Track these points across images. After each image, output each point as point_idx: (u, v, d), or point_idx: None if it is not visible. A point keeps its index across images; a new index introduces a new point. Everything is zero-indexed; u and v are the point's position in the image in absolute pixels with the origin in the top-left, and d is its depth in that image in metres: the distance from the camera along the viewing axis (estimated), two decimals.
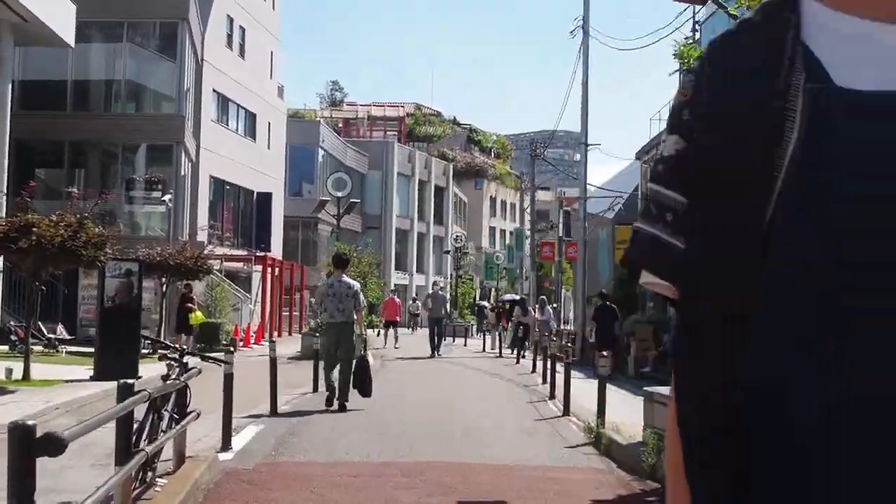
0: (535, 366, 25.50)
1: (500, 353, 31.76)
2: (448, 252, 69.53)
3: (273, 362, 13.99)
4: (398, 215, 71.12)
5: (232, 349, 29.77)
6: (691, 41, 38.05)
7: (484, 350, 34.13)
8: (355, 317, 14.61)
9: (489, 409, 14.72)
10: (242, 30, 43.29)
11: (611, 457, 10.64)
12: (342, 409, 14.11)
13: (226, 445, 10.42)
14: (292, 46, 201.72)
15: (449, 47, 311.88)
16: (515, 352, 30.84)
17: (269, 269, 40.60)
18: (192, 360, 9.24)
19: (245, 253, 40.68)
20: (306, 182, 57.45)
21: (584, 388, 17.73)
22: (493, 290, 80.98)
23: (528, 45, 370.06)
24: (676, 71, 39.07)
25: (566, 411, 14.37)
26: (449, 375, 21.22)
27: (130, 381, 6.38)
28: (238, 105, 42.93)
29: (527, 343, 30.41)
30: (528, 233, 55.21)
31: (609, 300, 30.41)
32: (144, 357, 25.31)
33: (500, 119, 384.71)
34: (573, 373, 20.89)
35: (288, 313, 45.74)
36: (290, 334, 43.19)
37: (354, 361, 14.41)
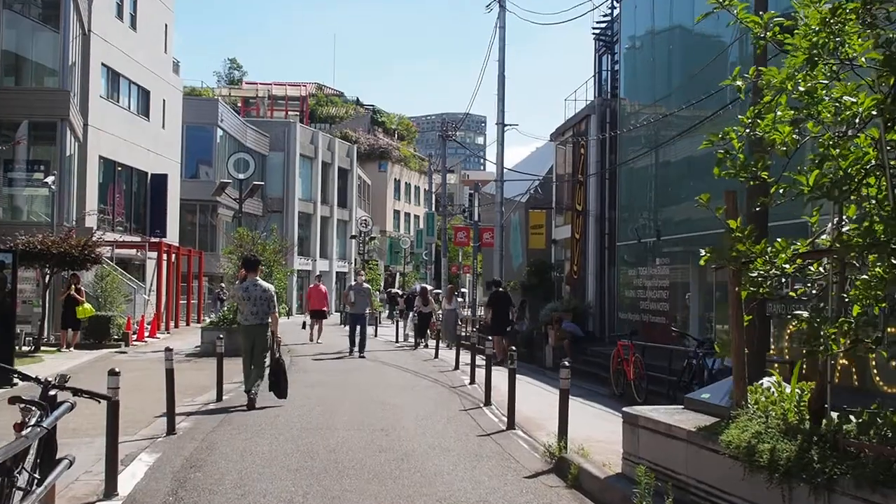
0: (437, 353, 25.37)
1: (416, 345, 29.84)
2: (354, 237, 67.39)
3: (170, 374, 11.84)
4: (301, 198, 68.89)
5: (124, 344, 27.85)
6: (609, 18, 36.77)
7: (398, 341, 32.12)
8: (269, 319, 14.78)
9: (424, 423, 12.70)
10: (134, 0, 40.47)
11: (584, 491, 8.77)
12: (251, 405, 14.05)
13: (110, 491, 8.31)
14: (188, 23, 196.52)
15: (351, 26, 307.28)
16: (414, 340, 31.48)
17: (164, 256, 38.03)
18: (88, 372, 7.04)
19: (139, 239, 38.02)
20: (204, 164, 54.75)
21: (517, 389, 16.07)
22: (398, 274, 79.19)
23: (436, 25, 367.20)
24: (603, 49, 37.76)
25: (510, 423, 12.56)
26: (371, 378, 19.12)
27: None
28: (129, 80, 40.11)
29: (428, 332, 30.79)
30: (436, 217, 53.41)
31: (502, 287, 30.13)
32: (28, 355, 23.03)
33: (404, 102, 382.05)
34: (493, 368, 19.36)
35: (186, 302, 43.24)
36: (188, 325, 40.79)
37: (268, 363, 14.66)
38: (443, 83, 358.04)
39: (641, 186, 29.73)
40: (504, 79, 32.24)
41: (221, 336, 15.75)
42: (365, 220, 65.94)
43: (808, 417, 6.56)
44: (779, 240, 6.86)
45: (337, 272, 72.16)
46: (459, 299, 40.29)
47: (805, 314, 6.31)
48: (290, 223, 65.19)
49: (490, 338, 18.41)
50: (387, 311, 52.25)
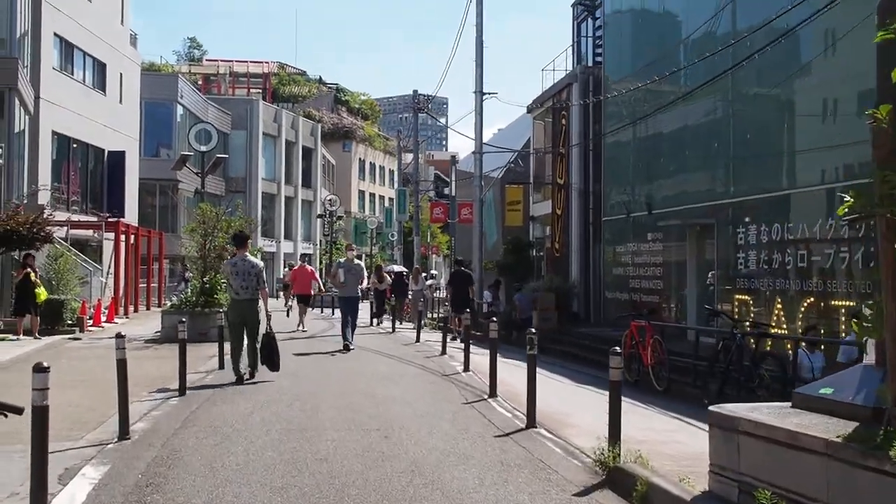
0: (419, 337, 23.97)
1: (394, 328, 28.01)
2: (321, 216, 65.34)
3: (122, 366, 9.97)
4: (264, 178, 66.89)
5: (79, 329, 25.85)
6: None
7: (371, 324, 30.28)
8: (259, 294, 15.10)
9: (427, 422, 10.71)
10: None
11: None
12: (251, 377, 14.61)
13: None
14: (147, 4, 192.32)
15: (313, 3, 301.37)
16: (370, 319, 31.08)
17: (122, 237, 35.92)
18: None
19: (95, 219, 35.86)
20: (163, 141, 52.43)
21: (509, 371, 14.41)
22: (363, 255, 77.35)
23: (399, 3, 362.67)
24: (583, 15, 36.02)
25: (531, 421, 10.67)
26: (352, 364, 17.22)
27: None
28: (84, 52, 37.84)
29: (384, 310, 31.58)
30: (409, 195, 51.51)
31: (465, 265, 29.46)
32: None
33: (367, 84, 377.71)
34: (474, 348, 17.69)
35: (146, 286, 41.13)
36: (147, 309, 38.73)
37: (261, 336, 14.94)
38: (406, 66, 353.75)
39: (630, 158, 28.15)
40: (482, 44, 30.35)
41: (184, 320, 13.84)
42: (331, 199, 63.87)
43: None
44: None
45: (302, 254, 70.18)
46: (429, 281, 38.68)
47: None
48: (254, 203, 63.08)
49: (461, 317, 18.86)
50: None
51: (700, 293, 23.28)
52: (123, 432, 9.74)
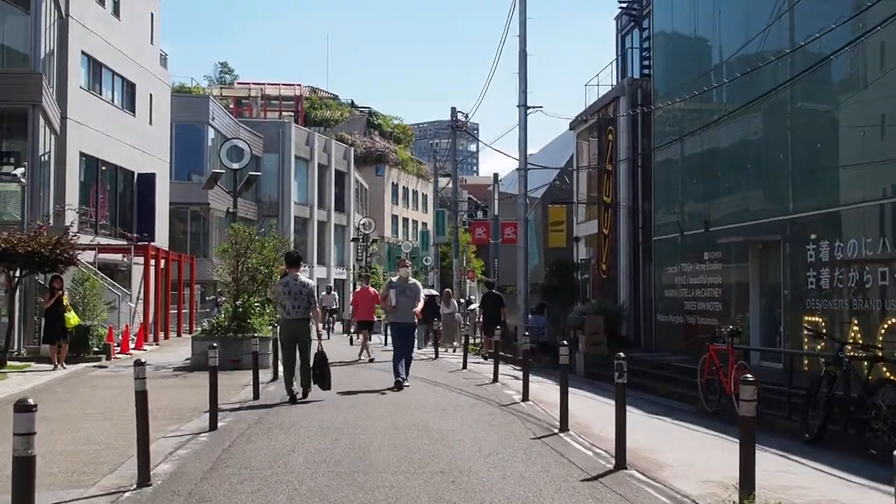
0: (465, 364, 22.46)
1: (437, 353, 26.50)
2: (356, 239, 64.00)
3: (141, 399, 8.44)
4: (296, 202, 65.75)
5: (105, 357, 24.58)
6: None
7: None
8: (311, 313, 15.24)
9: (496, 462, 8.99)
10: None
11: None
12: (304, 396, 14.84)
13: None
14: (177, 26, 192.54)
15: (345, 25, 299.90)
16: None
17: (152, 261, 34.74)
18: None
19: (124, 242, 34.71)
20: (195, 165, 51.21)
21: (580, 404, 12.93)
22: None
23: (432, 28, 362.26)
24: (629, 27, 34.63)
25: (620, 461, 9.04)
26: (399, 395, 15.74)
27: None
28: (113, 72, 36.86)
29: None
30: (447, 217, 50.09)
31: (496, 288, 29.32)
32: None
33: (399, 109, 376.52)
34: (534, 376, 16.21)
35: (177, 311, 39.95)
36: (178, 335, 37.54)
37: (313, 355, 15.02)
38: (439, 89, 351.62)
39: (682, 174, 26.65)
40: (526, 55, 28.84)
41: (215, 346, 12.45)
42: (365, 222, 62.57)
43: None
44: None
45: (335, 279, 68.95)
46: (472, 306, 37.25)
47: None
48: (286, 228, 61.86)
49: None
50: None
51: (764, 314, 21.75)
52: (143, 478, 8.20)
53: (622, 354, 9.69)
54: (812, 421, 12.39)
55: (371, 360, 23.47)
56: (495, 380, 17.97)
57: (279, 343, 16.17)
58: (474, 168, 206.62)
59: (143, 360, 8.71)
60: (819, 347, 17.28)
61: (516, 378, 17.69)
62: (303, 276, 15.63)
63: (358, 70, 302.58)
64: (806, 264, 19.21)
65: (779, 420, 13.70)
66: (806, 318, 19.10)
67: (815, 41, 18.03)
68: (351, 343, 30.38)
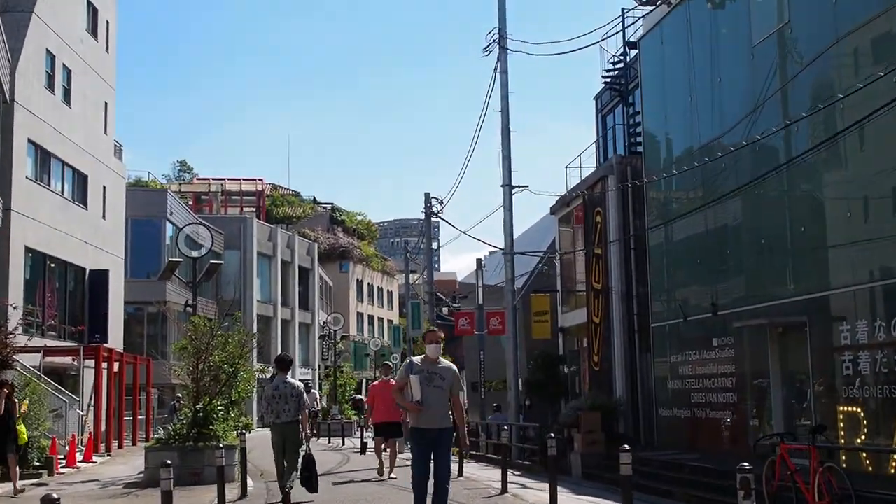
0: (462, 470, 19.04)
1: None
2: (323, 337, 61.44)
3: None
4: (259, 300, 63.25)
5: (47, 472, 21.59)
6: (621, 65, 32.07)
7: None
8: (300, 416, 15.24)
9: None
10: (68, 70, 35.05)
11: None
12: (287, 499, 14.73)
13: None
14: (133, 124, 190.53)
15: (302, 123, 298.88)
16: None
17: (104, 364, 31.93)
18: None
19: (73, 344, 31.98)
20: (152, 261, 48.45)
21: None
22: (364, 381, 73.31)
23: (391, 126, 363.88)
24: (612, 103, 32.91)
25: None
26: None
27: None
28: (63, 162, 34.53)
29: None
30: (422, 304, 47.84)
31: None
32: None
33: (361, 205, 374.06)
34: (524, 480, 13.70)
35: (132, 418, 36.99)
36: (134, 444, 34.58)
37: (301, 458, 14.99)
38: (407, 186, 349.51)
39: (684, 254, 24.58)
40: (509, 132, 26.95)
41: (169, 462, 9.89)
42: (334, 317, 60.13)
43: None
44: None
45: (301, 379, 66.14)
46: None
47: None
48: (249, 327, 59.19)
49: None
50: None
51: (787, 404, 19.56)
52: None
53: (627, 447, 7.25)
54: None
55: (392, 477, 18.83)
56: (504, 491, 15.39)
57: (272, 446, 15.60)
58: (436, 265, 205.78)
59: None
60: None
61: (522, 486, 15.21)
62: (291, 379, 15.60)
63: (319, 167, 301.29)
64: (840, 348, 17.18)
65: None
66: (842, 408, 17.00)
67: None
68: (363, 451, 26.43)
